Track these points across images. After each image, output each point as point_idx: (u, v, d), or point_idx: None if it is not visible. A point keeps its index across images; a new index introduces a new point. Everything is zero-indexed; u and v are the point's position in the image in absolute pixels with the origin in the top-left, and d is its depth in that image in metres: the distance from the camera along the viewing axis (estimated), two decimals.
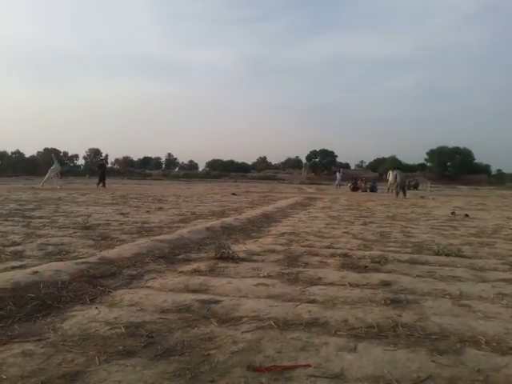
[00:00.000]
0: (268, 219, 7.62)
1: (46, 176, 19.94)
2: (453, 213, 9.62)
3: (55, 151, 64.00)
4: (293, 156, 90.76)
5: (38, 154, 66.10)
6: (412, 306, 2.59)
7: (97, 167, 23.29)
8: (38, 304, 2.48)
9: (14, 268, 3.32)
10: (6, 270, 3.26)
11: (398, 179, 17.58)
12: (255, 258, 4.01)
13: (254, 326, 2.18)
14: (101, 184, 20.83)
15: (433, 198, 17.09)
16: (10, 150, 63.82)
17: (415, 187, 32.50)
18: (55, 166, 19.96)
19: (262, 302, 2.60)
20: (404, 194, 17.00)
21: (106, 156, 71.40)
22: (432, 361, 1.81)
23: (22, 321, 2.25)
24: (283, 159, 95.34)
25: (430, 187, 19.91)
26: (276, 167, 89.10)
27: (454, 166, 70.63)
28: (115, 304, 2.54)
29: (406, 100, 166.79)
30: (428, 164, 76.19)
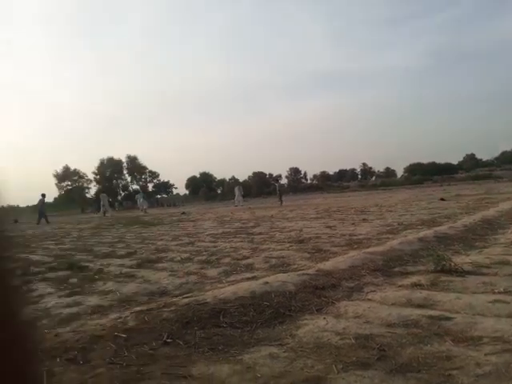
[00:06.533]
0: (491, 225, 6.68)
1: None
2: None
3: (261, 174, 71.49)
4: (509, 149, 77.12)
5: (248, 178, 74.76)
6: None
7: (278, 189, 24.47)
8: (272, 312, 2.78)
9: (248, 279, 3.83)
10: (242, 280, 3.79)
11: None
12: (484, 270, 3.56)
13: (499, 349, 1.93)
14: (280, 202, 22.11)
15: None
16: (227, 177, 74.18)
17: None
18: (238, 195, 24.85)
19: (502, 321, 2.29)
20: None
21: (278, 176, 73.41)
22: None
23: (263, 326, 2.57)
24: (496, 154, 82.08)
25: None
26: (489, 164, 77.40)
27: None
28: (341, 315, 2.64)
29: None
30: None
